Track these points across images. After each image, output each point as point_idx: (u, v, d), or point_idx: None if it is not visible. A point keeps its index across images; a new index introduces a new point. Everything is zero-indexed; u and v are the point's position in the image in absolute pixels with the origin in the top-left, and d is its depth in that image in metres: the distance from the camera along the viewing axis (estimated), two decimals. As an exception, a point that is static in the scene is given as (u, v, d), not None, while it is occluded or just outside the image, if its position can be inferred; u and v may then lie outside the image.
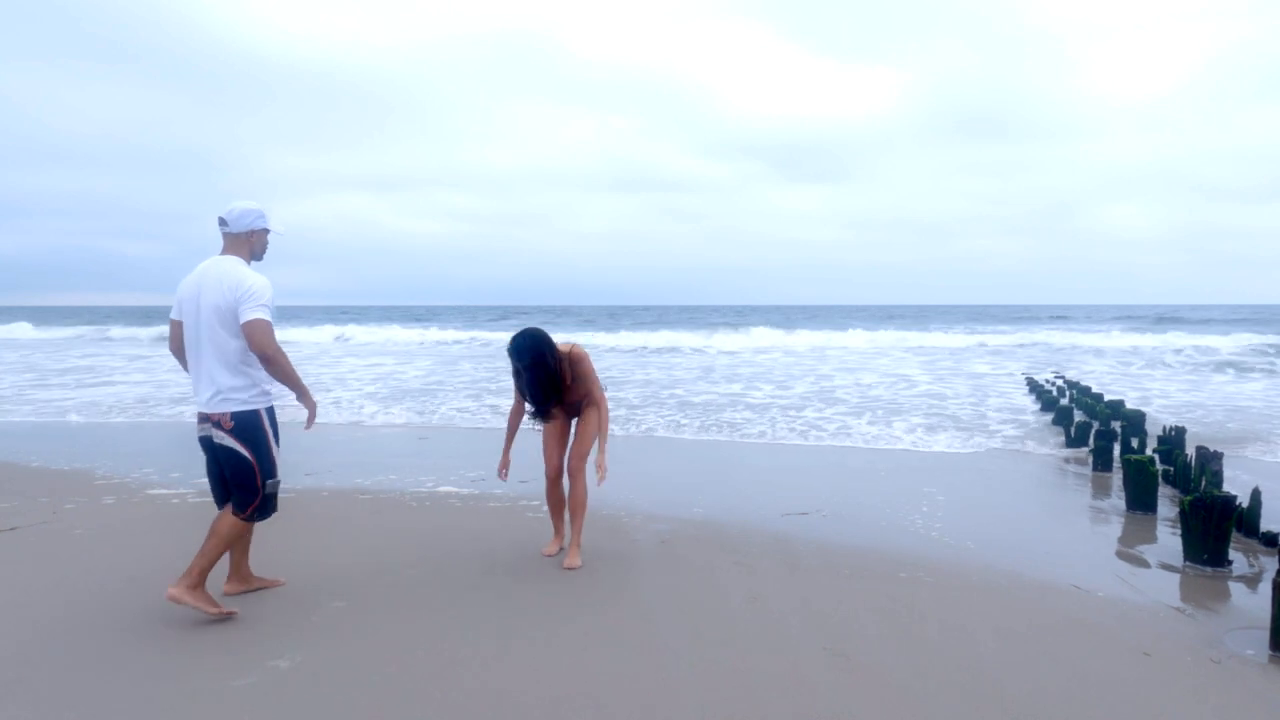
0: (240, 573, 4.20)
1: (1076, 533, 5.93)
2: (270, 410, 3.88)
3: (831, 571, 4.69)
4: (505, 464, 4.77)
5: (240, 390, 3.74)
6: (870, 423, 11.37)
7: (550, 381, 4.48)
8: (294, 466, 8.04)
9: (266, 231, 3.93)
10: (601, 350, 27.55)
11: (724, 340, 29.74)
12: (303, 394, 3.91)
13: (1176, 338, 29.92)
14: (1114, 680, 3.32)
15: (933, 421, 11.42)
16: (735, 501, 6.63)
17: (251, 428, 3.76)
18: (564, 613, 3.96)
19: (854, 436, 10.31)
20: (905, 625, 3.86)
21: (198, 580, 3.73)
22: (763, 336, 30.95)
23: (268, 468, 3.81)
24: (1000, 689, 3.21)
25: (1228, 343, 26.75)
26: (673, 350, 27.49)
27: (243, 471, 3.78)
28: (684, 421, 11.49)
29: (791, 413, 12.34)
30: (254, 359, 3.72)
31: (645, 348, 28.71)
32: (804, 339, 29.87)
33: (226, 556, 4.13)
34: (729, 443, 9.91)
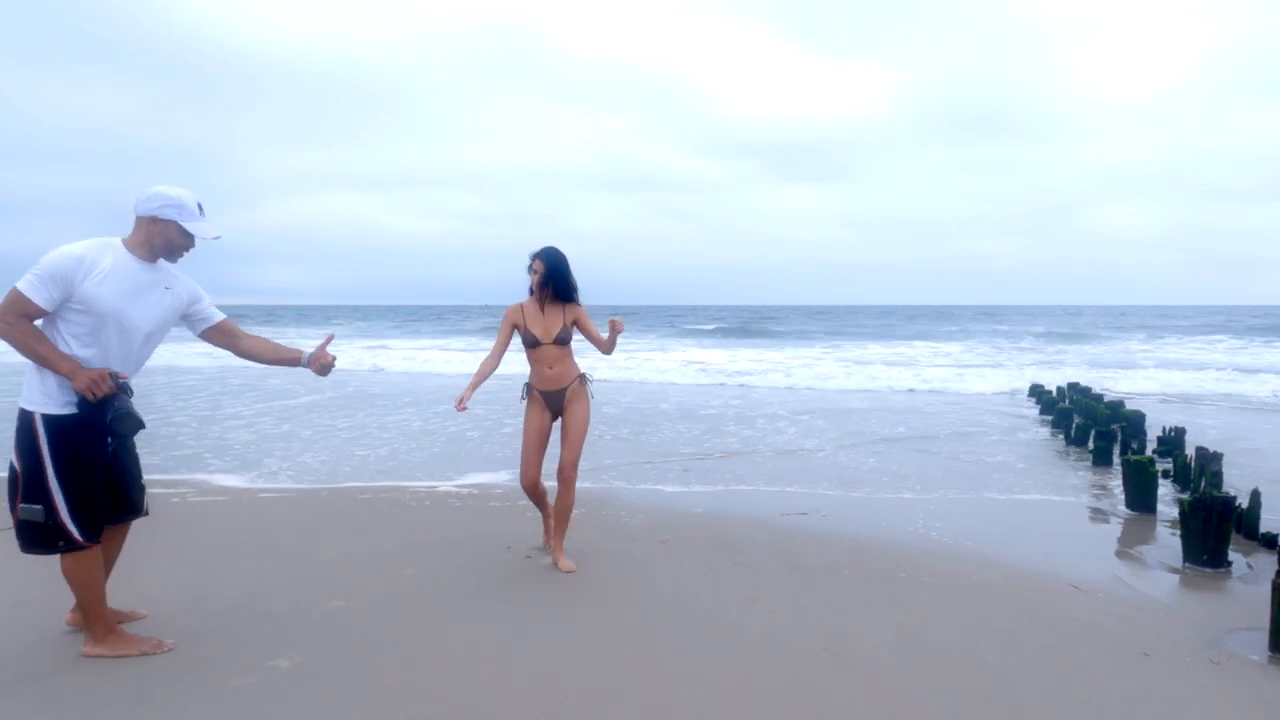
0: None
1: (1076, 533, 5.93)
2: (61, 421, 3.12)
3: (831, 572, 4.69)
4: (465, 398, 4.54)
5: (26, 383, 3.16)
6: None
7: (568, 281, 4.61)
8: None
9: (176, 226, 3.29)
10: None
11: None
12: (59, 369, 3.09)
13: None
14: (1114, 680, 3.32)
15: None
16: (735, 501, 6.63)
17: (24, 432, 3.14)
18: (564, 613, 3.96)
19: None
20: (904, 625, 3.86)
21: (101, 634, 3.36)
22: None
23: (30, 488, 3.14)
24: (1000, 689, 3.21)
25: None
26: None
27: (10, 482, 3.21)
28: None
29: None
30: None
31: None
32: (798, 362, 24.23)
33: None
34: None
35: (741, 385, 16.64)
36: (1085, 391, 12.62)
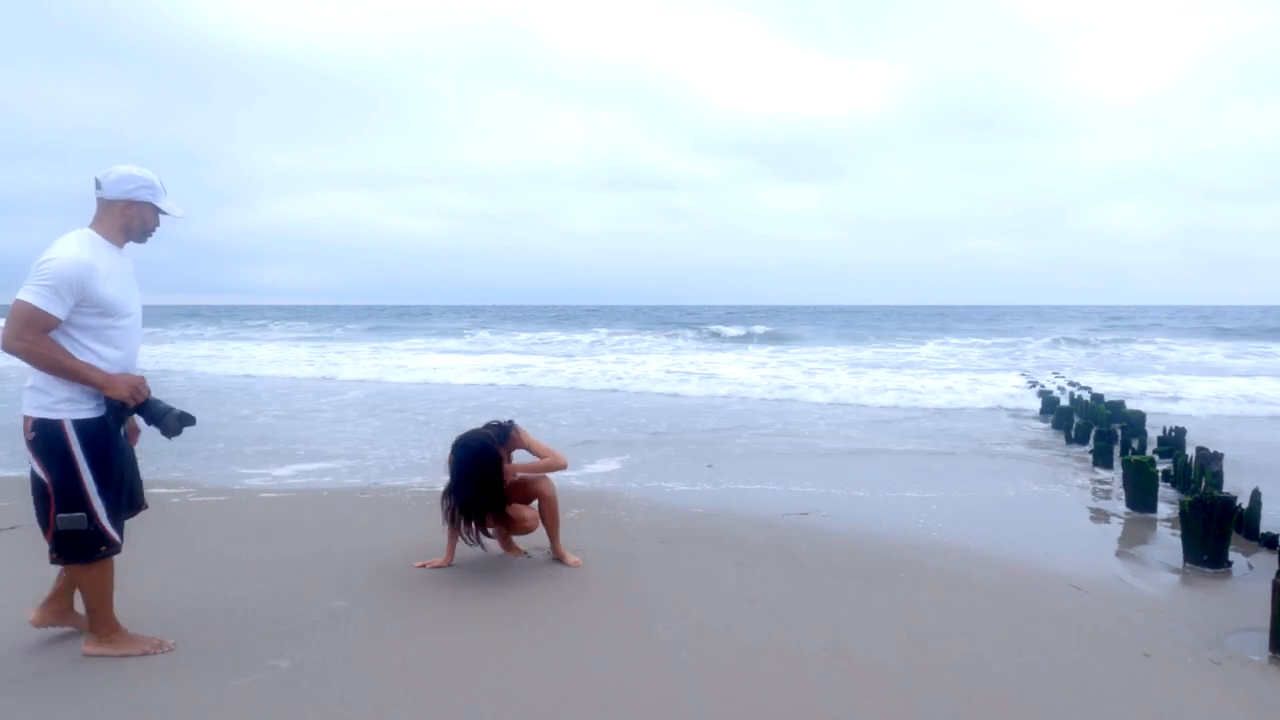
0: (58, 603, 3.45)
1: (1076, 532, 5.93)
2: (90, 425, 3.06)
3: (832, 572, 4.69)
4: (447, 561, 4.60)
5: (41, 391, 3.03)
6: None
7: (491, 490, 4.37)
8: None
9: (151, 207, 3.23)
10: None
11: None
12: (91, 381, 3.03)
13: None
14: (1114, 680, 3.32)
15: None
16: (736, 501, 6.63)
17: (51, 442, 3.03)
18: (565, 613, 3.96)
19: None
20: (905, 626, 3.85)
21: (106, 634, 3.30)
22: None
23: (65, 497, 3.05)
24: (1000, 689, 3.21)
25: None
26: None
27: (36, 495, 3.11)
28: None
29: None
30: None
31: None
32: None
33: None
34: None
35: (736, 394, 16.63)
36: (1085, 390, 12.62)
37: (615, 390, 16.32)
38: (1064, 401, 11.66)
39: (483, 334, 42.52)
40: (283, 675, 3.21)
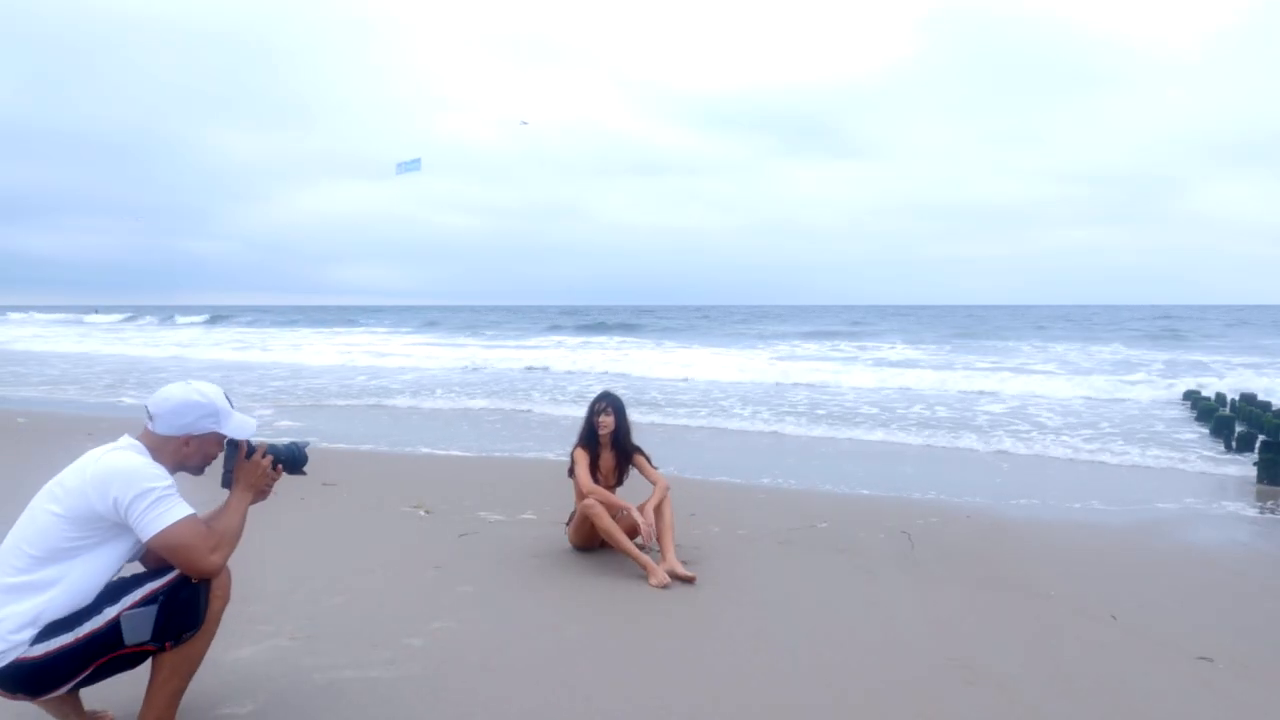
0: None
1: (1242, 570, 5.45)
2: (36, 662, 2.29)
3: (957, 581, 4.49)
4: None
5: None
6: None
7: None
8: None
9: (215, 437, 2.59)
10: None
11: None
12: (246, 504, 2.63)
13: None
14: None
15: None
16: (859, 505, 6.46)
17: (33, 674, 2.33)
18: (680, 610, 3.96)
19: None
20: (1038, 646, 3.64)
21: None
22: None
23: (98, 642, 2.37)
24: (1142, 716, 3.00)
25: None
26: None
27: (77, 659, 2.38)
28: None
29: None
30: None
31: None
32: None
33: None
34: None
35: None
36: (1250, 399, 11.58)
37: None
38: (1222, 409, 10.73)
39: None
40: (415, 652, 3.35)
